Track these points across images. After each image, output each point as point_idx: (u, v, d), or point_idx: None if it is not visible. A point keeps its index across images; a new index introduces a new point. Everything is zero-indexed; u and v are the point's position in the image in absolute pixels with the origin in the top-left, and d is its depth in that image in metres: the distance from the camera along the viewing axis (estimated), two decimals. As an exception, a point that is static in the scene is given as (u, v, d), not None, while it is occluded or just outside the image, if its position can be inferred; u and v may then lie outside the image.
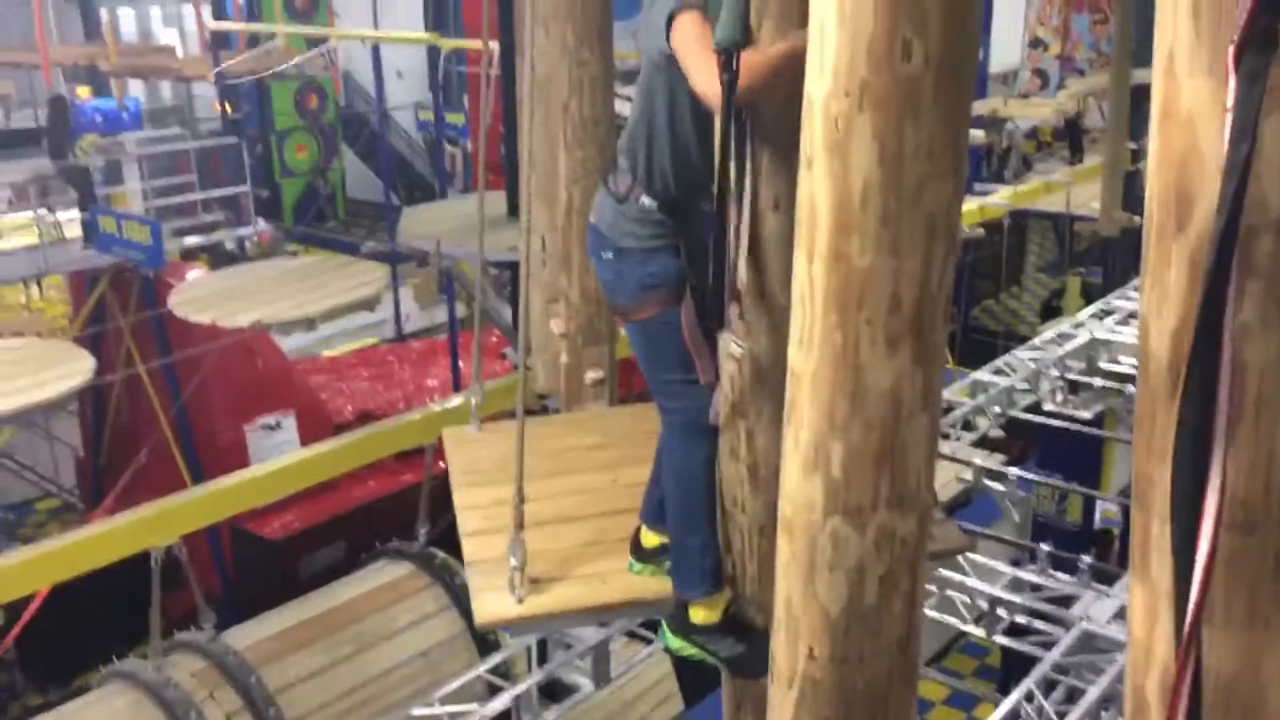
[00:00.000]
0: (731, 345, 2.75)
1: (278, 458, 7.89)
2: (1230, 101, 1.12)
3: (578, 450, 4.38)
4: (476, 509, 3.87)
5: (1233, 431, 1.30)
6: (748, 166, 2.58)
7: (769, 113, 2.52)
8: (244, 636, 6.37)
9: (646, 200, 3.01)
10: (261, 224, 12.20)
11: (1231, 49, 1.11)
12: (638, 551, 3.45)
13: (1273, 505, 1.34)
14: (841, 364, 2.07)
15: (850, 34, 1.93)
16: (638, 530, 3.46)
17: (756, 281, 2.64)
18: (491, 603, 3.32)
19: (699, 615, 3.22)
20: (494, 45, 7.14)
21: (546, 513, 3.67)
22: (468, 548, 3.66)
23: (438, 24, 14.95)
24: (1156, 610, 1.49)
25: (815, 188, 2.04)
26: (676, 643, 3.32)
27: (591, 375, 5.39)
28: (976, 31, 1.99)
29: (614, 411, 5.29)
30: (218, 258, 12.72)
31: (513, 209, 7.42)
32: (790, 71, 2.27)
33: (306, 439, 10.25)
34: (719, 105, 2.52)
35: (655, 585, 3.37)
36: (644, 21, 2.96)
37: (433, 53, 14.21)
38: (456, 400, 7.42)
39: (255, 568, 10.56)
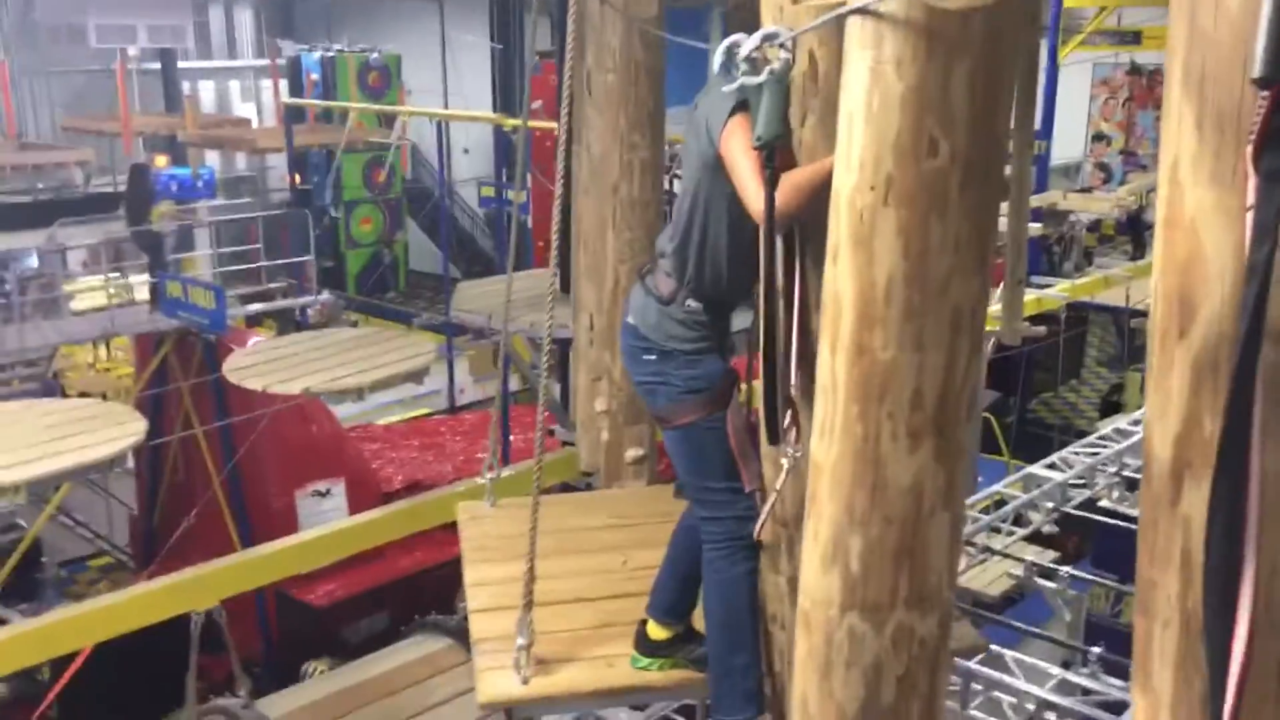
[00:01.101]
0: (785, 452, 2.65)
1: (326, 524, 7.92)
2: (1251, 200, 1.11)
3: (591, 530, 4.35)
4: (486, 585, 3.85)
5: (1259, 546, 1.27)
6: (796, 269, 2.56)
7: (814, 215, 2.52)
8: (278, 705, 6.36)
9: (693, 303, 2.94)
10: (324, 294, 12.43)
11: (1250, 148, 1.10)
12: (643, 644, 3.34)
13: (1275, 616, 1.30)
14: (862, 457, 2.05)
15: (877, 130, 1.95)
16: (643, 623, 3.38)
17: (805, 385, 2.57)
18: (496, 682, 3.29)
19: None
20: (553, 124, 7.30)
21: (556, 592, 3.63)
22: (475, 625, 3.63)
23: (504, 103, 15.29)
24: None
25: (840, 280, 2.04)
26: None
27: (632, 453, 5.38)
28: (1004, 130, 1.99)
29: (630, 492, 5.26)
30: (284, 324, 12.98)
31: (564, 286, 7.49)
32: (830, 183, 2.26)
33: (355, 506, 10.31)
34: (759, 205, 2.49)
35: (664, 672, 3.31)
36: (691, 121, 2.93)
37: (498, 131, 14.53)
38: (507, 471, 7.44)
39: (299, 633, 10.57)
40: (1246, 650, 1.16)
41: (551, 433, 8.18)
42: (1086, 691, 6.51)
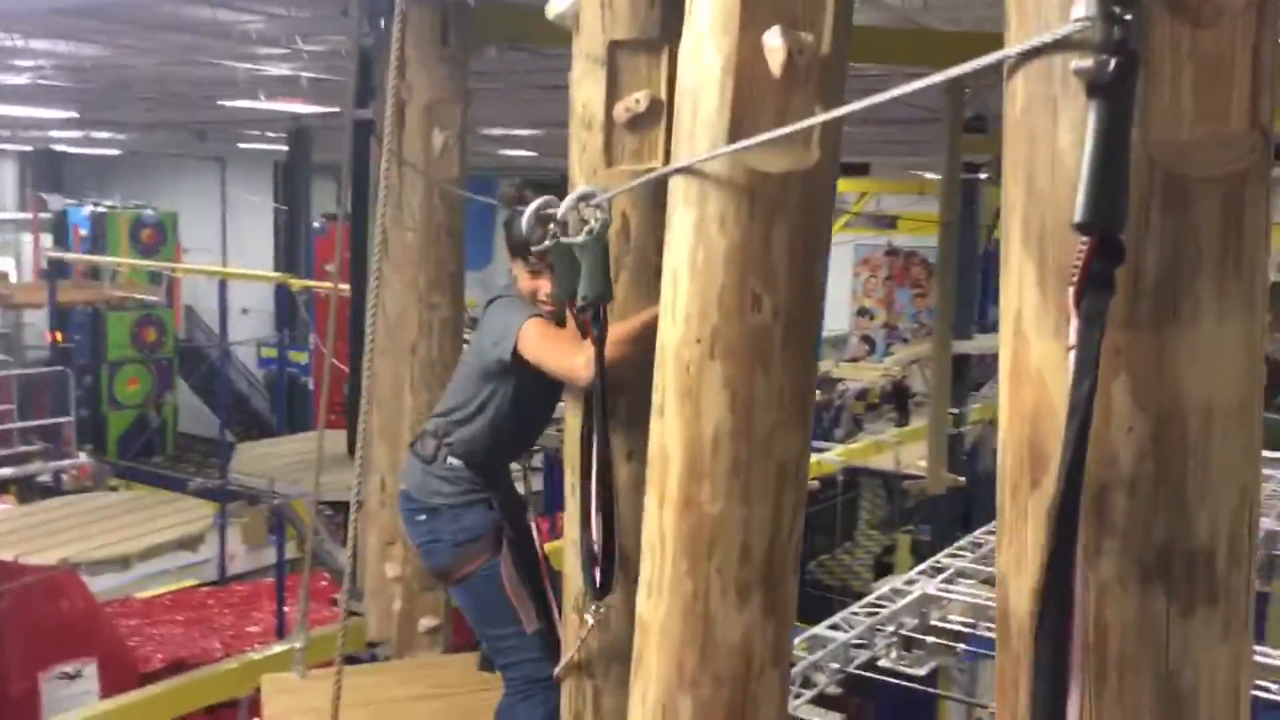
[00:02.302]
0: (589, 610, 2.69)
1: (74, 709, 7.20)
2: (1072, 341, 1.16)
3: (403, 701, 4.21)
4: (295, 764, 3.61)
5: (1100, 696, 1.29)
6: (603, 422, 2.60)
7: (625, 367, 2.57)
8: None
9: (454, 460, 3.10)
10: (82, 456, 11.63)
11: (1072, 291, 1.15)
12: None
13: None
14: (691, 614, 2.01)
15: (702, 285, 1.98)
16: None
17: (608, 535, 2.61)
18: None
19: None
20: (344, 286, 7.18)
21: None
22: None
23: (289, 264, 15.02)
24: None
25: (667, 434, 2.03)
26: None
27: (426, 623, 5.16)
28: (821, 288, 2.06)
29: (442, 660, 5.08)
30: (28, 491, 12.04)
31: (352, 448, 7.26)
32: (652, 334, 2.34)
33: (109, 689, 9.47)
34: (587, 369, 2.58)
35: None
36: (480, 327, 3.12)
37: (279, 291, 14.20)
38: (279, 647, 6.98)
39: (35, 835, 9.46)
40: None
41: (334, 601, 7.79)
42: None
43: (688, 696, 2.03)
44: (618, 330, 2.57)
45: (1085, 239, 1.13)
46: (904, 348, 15.80)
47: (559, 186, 2.88)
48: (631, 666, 2.16)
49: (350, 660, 6.18)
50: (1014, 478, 1.37)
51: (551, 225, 2.56)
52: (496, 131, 13.16)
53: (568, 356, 2.70)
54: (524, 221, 2.65)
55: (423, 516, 3.15)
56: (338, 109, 11.28)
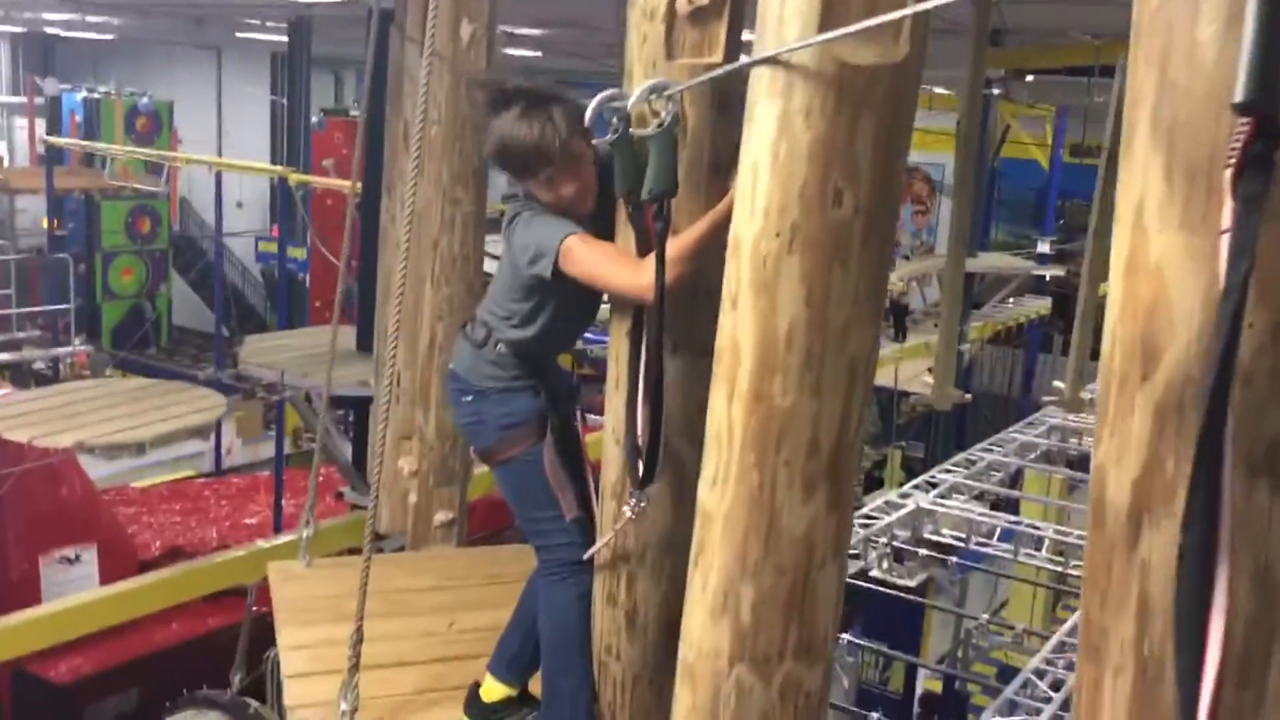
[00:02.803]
0: (629, 502, 2.71)
1: (74, 593, 7.31)
2: (1227, 224, 1.16)
3: (413, 592, 4.22)
4: (303, 649, 3.65)
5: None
6: (659, 317, 2.58)
7: (688, 276, 2.56)
8: (26, 791, 5.75)
9: (503, 347, 3.07)
10: (80, 344, 11.59)
11: (1229, 172, 1.15)
12: (474, 707, 3.28)
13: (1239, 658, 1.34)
14: (757, 506, 2.03)
15: (783, 178, 1.96)
16: (475, 686, 3.30)
17: (655, 428, 2.62)
18: (316, 751, 3.11)
19: None
20: (347, 183, 7.10)
21: (379, 656, 3.45)
22: (291, 691, 3.44)
23: (288, 158, 14.84)
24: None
25: (739, 327, 2.04)
26: None
27: (441, 517, 5.20)
28: (901, 186, 2.05)
29: (452, 553, 5.12)
30: (21, 377, 12.00)
31: (362, 344, 7.25)
32: (715, 243, 2.34)
33: (108, 574, 9.56)
34: (650, 281, 2.55)
35: None
36: (510, 242, 3.02)
37: (276, 186, 14.05)
38: (284, 538, 7.07)
39: (36, 713, 9.64)
40: (1214, 696, 1.18)
41: (340, 495, 7.85)
42: (868, 758, 6.67)
43: (749, 585, 2.06)
44: (679, 247, 2.53)
45: (1245, 120, 1.12)
46: (905, 264, 15.80)
47: (547, 91, 2.85)
48: (691, 556, 2.19)
49: (356, 552, 6.26)
50: (1123, 371, 1.38)
51: (615, 119, 2.53)
52: (499, 28, 12.92)
53: (631, 275, 2.65)
54: (589, 112, 2.62)
55: (469, 397, 3.12)
56: (343, -1, 11.08)
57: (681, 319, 2.64)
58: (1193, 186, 1.24)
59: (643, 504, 2.72)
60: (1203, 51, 1.25)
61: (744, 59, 2.10)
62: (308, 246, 14.18)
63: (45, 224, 12.86)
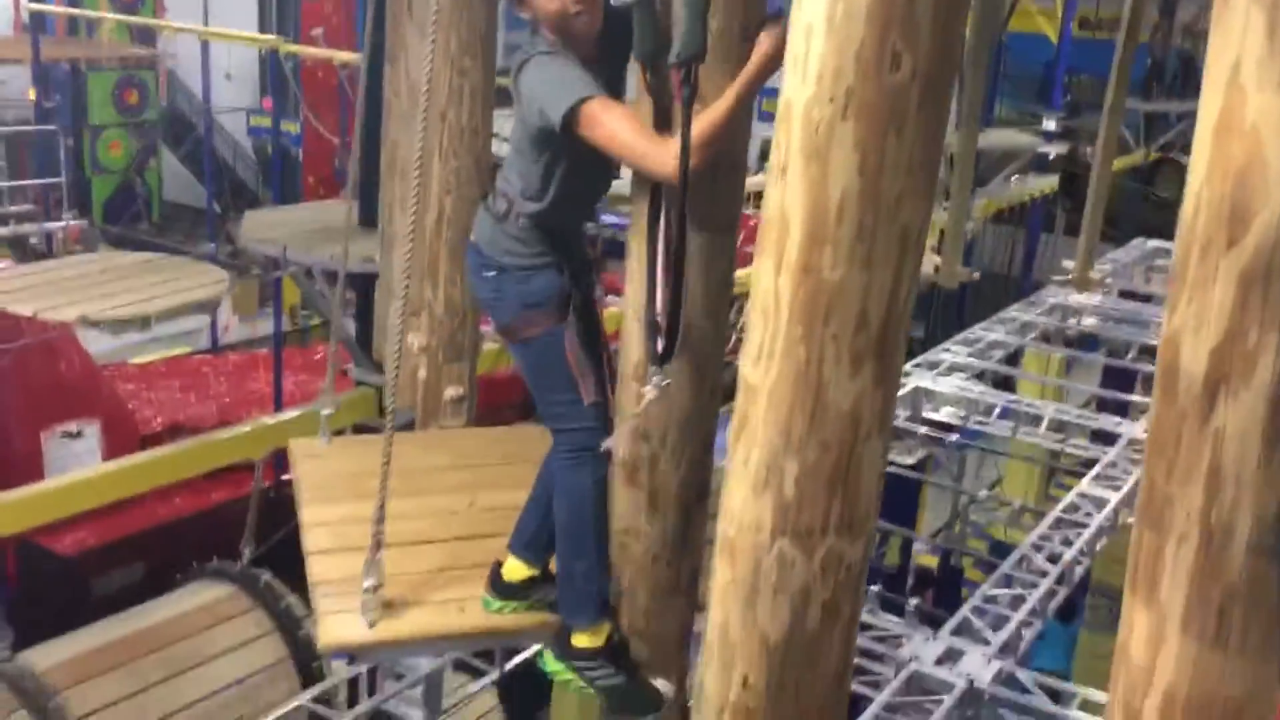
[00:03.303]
0: (650, 381, 2.67)
1: (77, 468, 7.32)
2: None
3: (433, 471, 4.19)
4: (325, 526, 3.65)
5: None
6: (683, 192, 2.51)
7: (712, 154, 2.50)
8: (44, 657, 5.84)
9: (525, 221, 2.98)
10: (72, 219, 11.42)
11: None
12: (496, 586, 3.28)
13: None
14: (803, 380, 2.00)
15: (839, 40, 1.88)
16: (498, 564, 3.30)
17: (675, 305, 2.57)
18: (339, 626, 3.13)
19: (582, 640, 3.13)
20: (344, 54, 6.95)
21: (400, 534, 3.43)
22: (315, 567, 3.45)
23: (279, 27, 14.45)
24: (1163, 633, 1.47)
25: (788, 196, 1.98)
26: (556, 666, 3.23)
27: (451, 392, 5.19)
28: (960, 51, 1.97)
29: (469, 432, 5.12)
30: (22, 253, 11.87)
31: (366, 219, 7.13)
32: (742, 116, 2.27)
33: (110, 449, 9.60)
34: (675, 157, 2.46)
35: (516, 615, 3.24)
36: (514, 85, 2.91)
37: (266, 57, 13.71)
38: (291, 413, 7.06)
39: (42, 585, 9.78)
40: None
41: (345, 372, 7.82)
42: (865, 627, 6.79)
43: (794, 460, 2.04)
44: (702, 126, 2.44)
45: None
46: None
47: None
48: (732, 430, 2.16)
49: (365, 429, 6.27)
50: (1207, 235, 1.34)
51: None
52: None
53: (658, 154, 2.54)
54: None
55: (491, 273, 3.05)
56: None
57: (703, 194, 2.57)
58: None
59: (665, 382, 2.67)
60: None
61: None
62: (300, 120, 13.90)
63: (31, 95, 12.58)
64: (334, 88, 13.48)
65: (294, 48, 12.23)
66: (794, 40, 1.96)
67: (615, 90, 2.82)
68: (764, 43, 2.39)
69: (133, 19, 14.03)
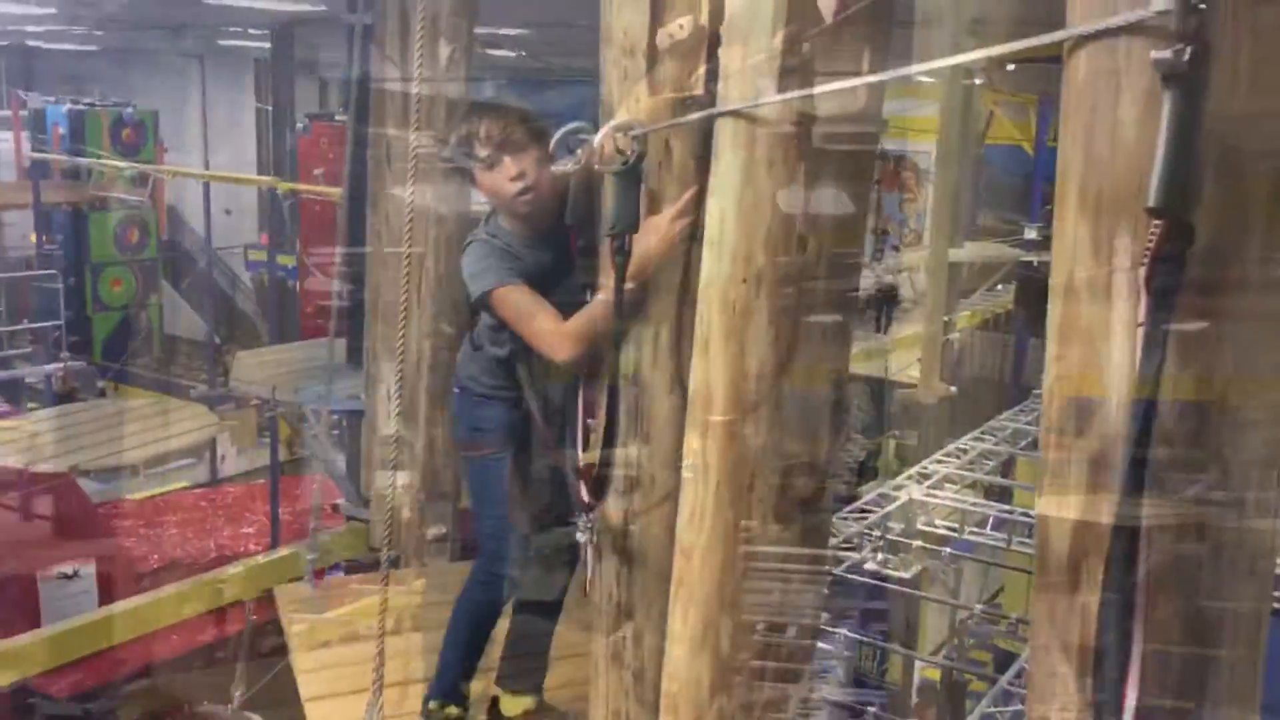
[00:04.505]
0: (581, 526, 2.73)
1: (73, 610, 7.36)
2: (1142, 318, 1.24)
3: (420, 607, 4.28)
4: (319, 672, 3.74)
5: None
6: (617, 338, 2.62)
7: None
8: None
9: (491, 358, 3.19)
10: (66, 358, 11.60)
11: (1144, 271, 1.23)
12: None
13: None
14: (734, 541, 2.11)
15: (749, 226, 2.04)
16: (494, 700, 3.38)
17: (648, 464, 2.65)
18: (345, 771, 3.19)
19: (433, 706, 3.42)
20: (335, 190, 7.15)
21: (392, 674, 3.52)
22: (312, 714, 3.53)
23: (275, 166, 14.83)
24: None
25: (711, 370, 2.11)
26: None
27: (434, 531, 5.28)
28: (864, 226, 2.12)
29: (453, 568, 5.20)
30: (15, 393, 12.04)
31: (352, 357, 7.30)
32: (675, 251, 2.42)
33: (106, 590, 9.62)
34: (564, 350, 2.74)
35: None
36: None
37: (264, 192, 14.06)
38: (282, 551, 7.13)
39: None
40: None
41: (335, 508, 7.91)
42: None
43: (728, 618, 2.14)
44: (643, 246, 2.51)
45: (1157, 223, 1.20)
46: (897, 255, 15.84)
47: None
48: (672, 590, 2.26)
49: (355, 567, 6.33)
50: (1060, 424, 1.46)
51: (579, 150, 2.61)
52: (479, 30, 12.90)
53: (550, 335, 2.82)
54: (552, 143, 2.74)
55: (456, 390, 3.34)
56: (323, 6, 11.09)
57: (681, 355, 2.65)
58: (1115, 260, 1.32)
59: (589, 528, 2.71)
60: (1125, 131, 1.32)
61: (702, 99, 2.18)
62: (297, 254, 14.19)
63: (33, 239, 12.88)
64: (331, 221, 13.79)
65: (290, 185, 12.58)
66: (710, 224, 2.11)
67: (564, 260, 2.97)
68: (640, 241, 2.49)
69: (138, 165, 14.44)
